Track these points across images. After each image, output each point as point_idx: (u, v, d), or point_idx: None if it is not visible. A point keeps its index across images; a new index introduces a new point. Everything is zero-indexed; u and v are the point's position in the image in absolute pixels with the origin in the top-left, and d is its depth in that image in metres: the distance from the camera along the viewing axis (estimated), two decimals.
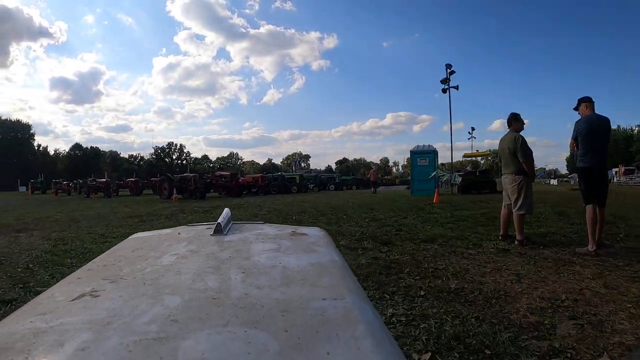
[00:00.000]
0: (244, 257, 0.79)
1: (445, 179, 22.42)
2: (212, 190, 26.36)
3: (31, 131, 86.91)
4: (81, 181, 38.22)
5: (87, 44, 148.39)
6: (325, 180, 39.66)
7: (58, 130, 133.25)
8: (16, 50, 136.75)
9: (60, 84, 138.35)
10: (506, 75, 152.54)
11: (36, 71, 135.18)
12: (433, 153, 20.09)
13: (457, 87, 23.55)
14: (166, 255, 0.82)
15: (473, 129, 50.18)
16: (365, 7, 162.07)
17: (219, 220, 1.02)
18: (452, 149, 22.21)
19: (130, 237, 1.08)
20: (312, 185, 34.27)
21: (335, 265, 0.77)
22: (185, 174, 23.63)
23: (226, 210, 1.17)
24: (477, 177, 20.59)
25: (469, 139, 50.80)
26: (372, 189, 28.85)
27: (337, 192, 32.43)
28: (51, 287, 0.71)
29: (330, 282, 0.68)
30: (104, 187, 31.74)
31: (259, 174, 27.60)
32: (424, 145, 20.27)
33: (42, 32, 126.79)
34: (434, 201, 14.65)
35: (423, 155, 19.90)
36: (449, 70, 23.42)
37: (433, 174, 18.56)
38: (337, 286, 0.66)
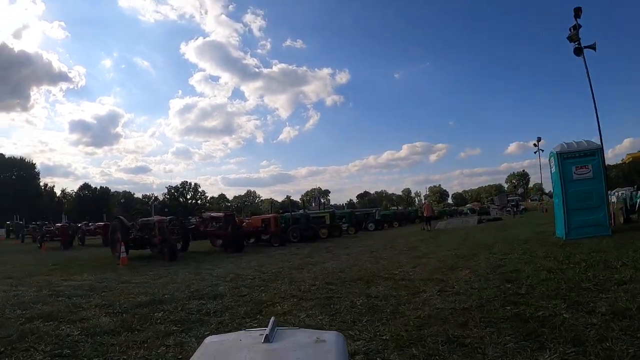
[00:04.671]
0: None
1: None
2: (207, 238, 17.09)
3: (36, 169, 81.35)
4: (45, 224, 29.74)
5: (105, 88, 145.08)
6: (361, 217, 29.80)
7: (78, 172, 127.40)
8: (36, 94, 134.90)
9: (79, 126, 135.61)
10: (517, 97, 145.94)
11: (56, 114, 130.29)
12: (597, 152, 10.40)
13: (594, 47, 14.43)
14: None
15: (539, 139, 40.39)
16: (374, 39, 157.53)
17: (267, 332, 1.19)
18: (602, 143, 12.59)
19: (206, 342, 1.27)
20: (346, 226, 24.56)
21: None
22: (148, 218, 14.39)
23: (272, 318, 1.32)
24: None
25: (535, 152, 40.86)
26: (425, 226, 22.56)
27: (386, 233, 22.74)
28: None
29: None
30: (61, 235, 23.10)
31: (271, 215, 18.07)
32: (578, 143, 10.60)
33: (62, 77, 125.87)
34: None
35: (582, 160, 10.22)
36: (577, 21, 14.33)
37: None
38: None
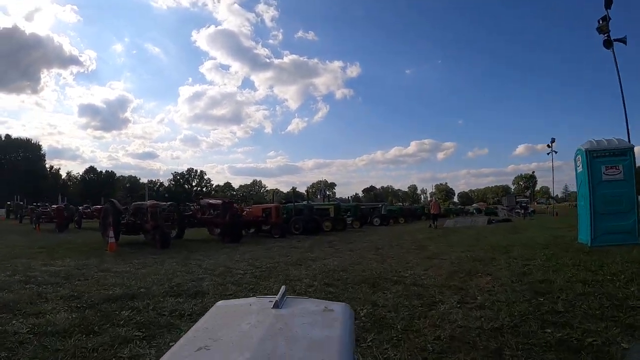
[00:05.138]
0: (289, 328, 1.08)
1: None
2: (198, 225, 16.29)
3: (42, 151, 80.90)
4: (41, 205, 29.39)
5: (116, 73, 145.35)
6: (366, 211, 28.83)
7: (86, 155, 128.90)
8: (47, 76, 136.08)
9: (89, 110, 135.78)
10: (528, 98, 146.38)
11: (66, 97, 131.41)
12: (629, 152, 9.42)
13: (624, 41, 13.42)
14: (243, 324, 1.12)
15: (553, 140, 39.07)
16: (386, 33, 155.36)
17: (277, 298, 1.24)
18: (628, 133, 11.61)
19: (217, 305, 1.33)
20: (350, 219, 23.73)
21: (341, 341, 1.03)
22: (140, 203, 13.62)
23: (283, 287, 1.33)
24: None
25: (548, 153, 39.52)
26: (432, 223, 22.19)
27: (392, 229, 21.86)
28: (179, 341, 1.05)
29: (331, 350, 0.98)
30: (56, 217, 22.62)
31: (272, 204, 17.23)
32: (608, 140, 9.63)
33: (72, 60, 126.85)
34: None
35: (612, 160, 9.27)
36: (607, 12, 13.30)
37: None
38: (333, 354, 0.96)
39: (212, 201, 15.66)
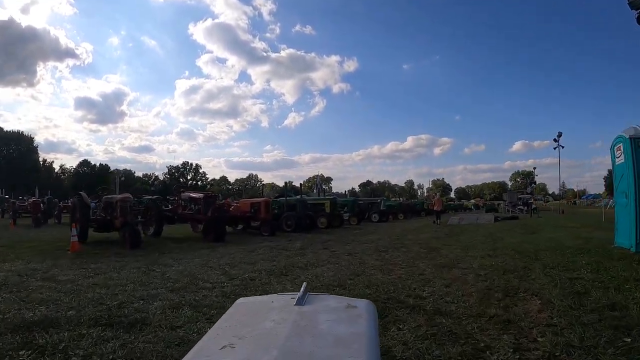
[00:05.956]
0: (314, 325, 1.05)
1: None
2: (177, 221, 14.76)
3: (34, 144, 78.97)
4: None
5: (112, 66, 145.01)
6: (364, 207, 27.20)
7: (82, 149, 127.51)
8: (43, 69, 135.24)
9: (84, 103, 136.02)
10: (525, 95, 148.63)
11: (62, 90, 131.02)
12: None
13: None
14: (266, 321, 1.08)
15: (560, 134, 37.50)
16: (384, 27, 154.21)
17: (299, 295, 1.21)
18: None
19: (237, 302, 1.29)
20: (347, 215, 22.21)
21: (367, 337, 1.00)
22: (111, 196, 12.00)
23: (304, 283, 1.29)
24: None
25: (555, 148, 37.86)
26: (435, 220, 22.00)
27: (392, 226, 20.31)
28: (201, 340, 1.02)
29: (358, 347, 0.95)
30: (33, 211, 21.33)
31: (262, 199, 15.55)
32: None
33: (68, 53, 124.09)
34: None
35: None
36: None
37: None
38: (361, 351, 0.93)
39: (193, 195, 14.06)
